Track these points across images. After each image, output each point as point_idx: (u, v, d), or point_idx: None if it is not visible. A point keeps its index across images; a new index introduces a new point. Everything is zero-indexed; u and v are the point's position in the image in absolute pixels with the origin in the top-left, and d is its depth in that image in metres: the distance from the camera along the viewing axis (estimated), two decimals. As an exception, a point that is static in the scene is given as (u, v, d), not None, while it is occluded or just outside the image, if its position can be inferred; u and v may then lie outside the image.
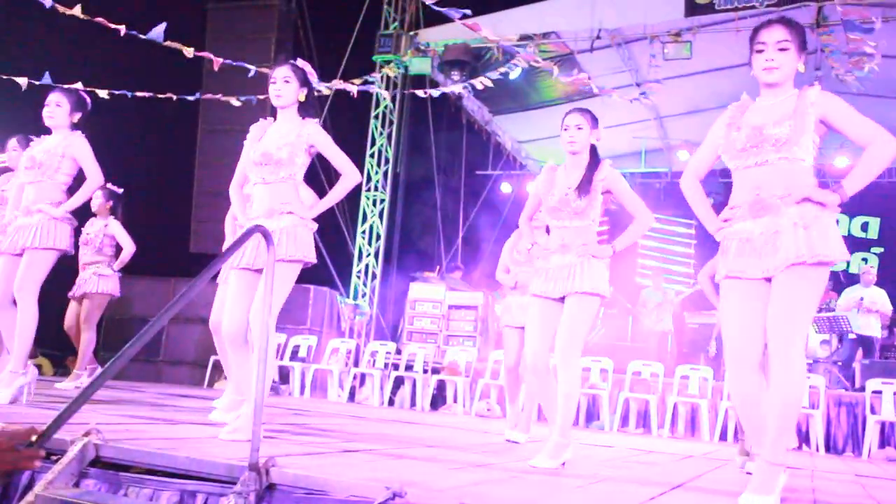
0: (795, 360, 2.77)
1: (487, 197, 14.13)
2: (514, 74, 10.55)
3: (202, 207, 11.66)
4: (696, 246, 13.83)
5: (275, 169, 3.71)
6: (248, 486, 2.18)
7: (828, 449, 7.78)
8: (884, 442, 7.75)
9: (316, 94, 4.03)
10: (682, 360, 10.01)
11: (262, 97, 9.05)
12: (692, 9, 9.39)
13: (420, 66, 11.48)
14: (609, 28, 10.21)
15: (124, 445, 2.53)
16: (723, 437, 7.93)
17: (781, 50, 2.91)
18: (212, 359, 9.45)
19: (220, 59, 8.85)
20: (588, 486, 3.11)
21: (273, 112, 3.92)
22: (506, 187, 14.24)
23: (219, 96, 9.70)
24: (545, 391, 3.89)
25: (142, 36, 7.71)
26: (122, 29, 7.74)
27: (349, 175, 3.81)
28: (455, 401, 9.20)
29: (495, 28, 9.92)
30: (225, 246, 5.24)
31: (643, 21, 9.93)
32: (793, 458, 6.06)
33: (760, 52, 2.95)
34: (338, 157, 3.82)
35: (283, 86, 3.80)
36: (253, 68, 8.91)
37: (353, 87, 10.06)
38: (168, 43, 7.94)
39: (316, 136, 3.78)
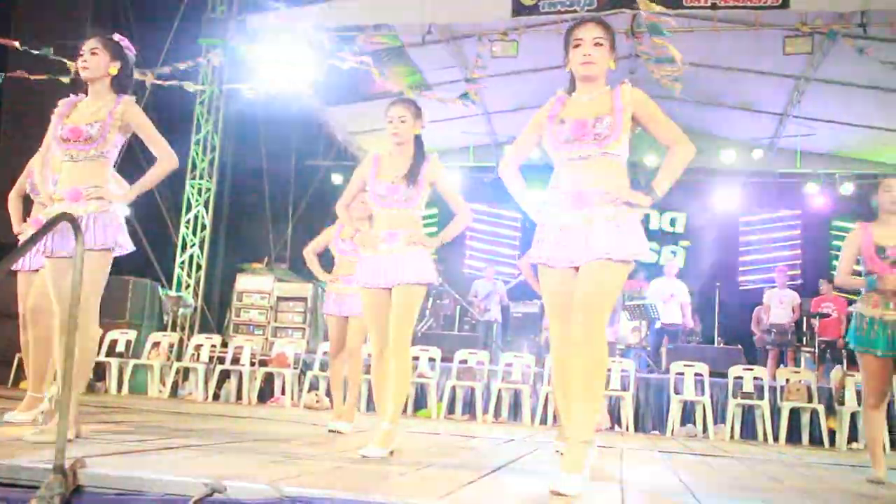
0: (598, 344, 2.95)
1: (318, 187, 13.96)
2: (346, 66, 10.47)
3: (3, 193, 10.75)
4: (520, 240, 14.35)
5: (84, 146, 3.49)
6: (52, 490, 2.06)
7: (637, 428, 8.33)
8: (685, 420, 8.40)
9: (134, 73, 3.82)
10: (508, 347, 10.38)
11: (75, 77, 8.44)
12: (518, 9, 9.71)
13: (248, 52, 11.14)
14: (440, 23, 10.37)
15: None
16: (543, 421, 8.30)
17: (597, 45, 3.10)
18: (17, 356, 8.77)
19: (15, 43, 8.14)
20: (413, 472, 3.17)
21: (86, 90, 3.69)
22: (337, 178, 14.14)
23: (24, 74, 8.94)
24: (384, 381, 3.95)
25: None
26: None
27: (165, 158, 3.63)
28: (283, 393, 9.07)
29: (328, 17, 9.81)
30: (15, 229, 4.93)
31: (473, 19, 10.16)
32: (604, 438, 6.47)
33: (578, 46, 3.12)
34: (153, 138, 3.64)
35: (90, 57, 3.57)
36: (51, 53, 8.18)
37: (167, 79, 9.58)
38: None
39: (130, 114, 3.59)
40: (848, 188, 12.14)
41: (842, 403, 7.91)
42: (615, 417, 8.43)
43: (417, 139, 4.01)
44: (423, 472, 3.24)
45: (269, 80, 10.60)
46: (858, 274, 4.51)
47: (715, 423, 8.17)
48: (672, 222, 14.12)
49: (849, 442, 7.83)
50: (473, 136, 13.59)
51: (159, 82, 9.24)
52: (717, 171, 13.06)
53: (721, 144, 12.73)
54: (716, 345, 10.55)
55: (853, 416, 7.85)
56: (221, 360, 9.46)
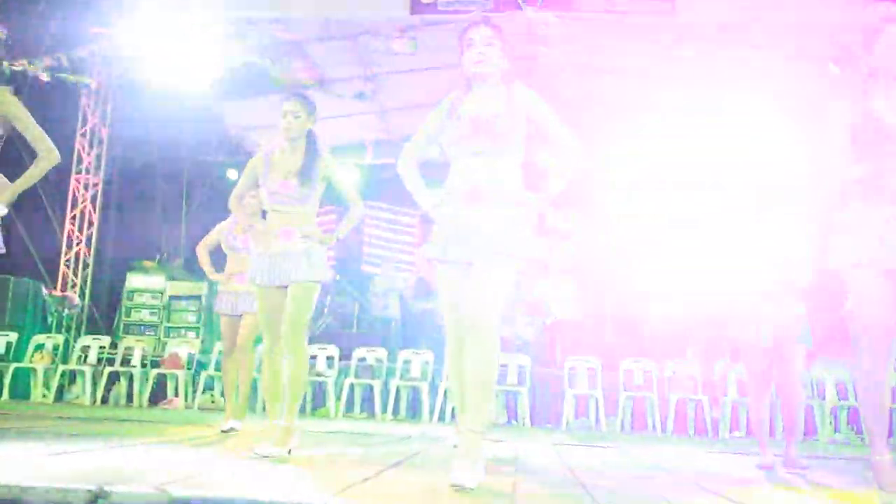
0: (489, 338, 3.01)
1: (213, 183, 13.60)
2: (241, 59, 10.25)
3: None
4: (419, 235, 14.39)
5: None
6: (-76, 500, 1.96)
7: (533, 422, 8.50)
8: (579, 412, 8.63)
9: (9, 61, 3.64)
10: (408, 344, 10.38)
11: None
12: (416, 7, 9.73)
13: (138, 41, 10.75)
14: (338, 19, 10.28)
15: None
16: (442, 417, 8.36)
17: (488, 45, 3.17)
18: None
19: None
20: (309, 470, 3.16)
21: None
22: (232, 174, 13.81)
23: None
24: (276, 380, 3.91)
25: None
26: None
27: (44, 155, 3.48)
28: (177, 395, 8.82)
29: (223, 8, 9.58)
30: None
31: (371, 15, 10.12)
32: (501, 433, 6.58)
33: (470, 47, 3.19)
34: (32, 132, 3.47)
35: None
36: None
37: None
38: None
39: (8, 106, 3.42)
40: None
41: (725, 394, 8.29)
42: (512, 412, 8.59)
43: (311, 135, 3.99)
44: (319, 469, 3.23)
45: (160, 72, 10.27)
46: None
47: (607, 415, 8.43)
48: (565, 219, 14.40)
49: (730, 430, 8.22)
50: (371, 133, 13.55)
51: (38, 66, 8.81)
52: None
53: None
54: (608, 338, 10.86)
55: (735, 405, 8.25)
56: (111, 362, 9.11)
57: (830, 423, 8.08)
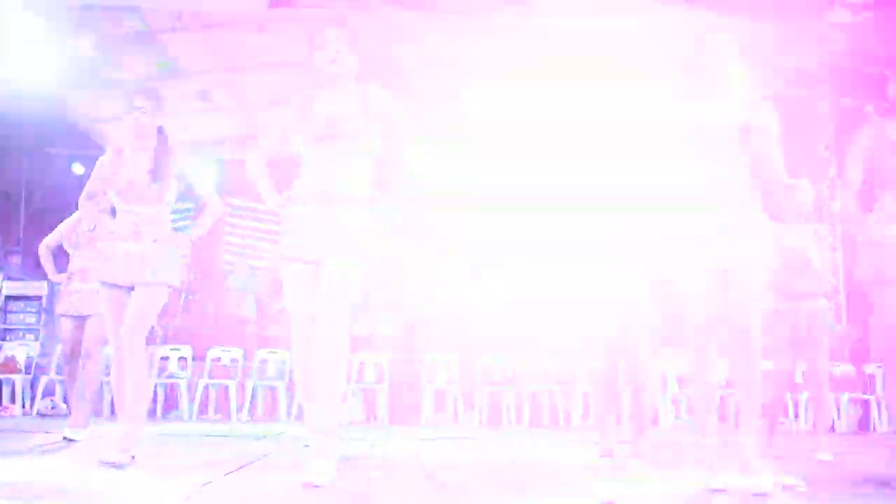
0: (338, 338, 3.02)
1: (58, 178, 12.86)
2: (87, 50, 9.73)
3: None
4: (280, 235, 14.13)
5: None
6: None
7: (392, 419, 8.52)
8: (438, 408, 8.73)
9: None
10: (264, 344, 10.17)
11: None
12: (275, 1, 9.56)
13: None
14: (192, 11, 9.94)
15: None
16: (300, 416, 8.24)
17: (342, 45, 3.19)
18: None
19: None
20: (152, 476, 3.07)
21: None
22: (78, 168, 13.10)
23: None
24: (124, 382, 3.76)
25: None
26: None
27: None
28: (13, 401, 8.29)
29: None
30: None
31: (227, 8, 9.85)
32: (359, 431, 6.59)
33: (323, 46, 3.19)
34: None
35: None
36: None
37: None
38: None
39: None
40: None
41: (575, 385, 8.62)
42: (371, 409, 8.59)
43: (161, 131, 3.85)
44: (164, 474, 3.14)
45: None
46: None
47: (465, 409, 8.57)
48: (422, 216, 14.49)
49: (582, 420, 8.56)
50: (230, 128, 13.20)
51: None
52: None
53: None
54: (466, 333, 11.02)
55: (584, 395, 8.59)
56: (-63, 369, 8.43)
57: (671, 411, 8.57)
